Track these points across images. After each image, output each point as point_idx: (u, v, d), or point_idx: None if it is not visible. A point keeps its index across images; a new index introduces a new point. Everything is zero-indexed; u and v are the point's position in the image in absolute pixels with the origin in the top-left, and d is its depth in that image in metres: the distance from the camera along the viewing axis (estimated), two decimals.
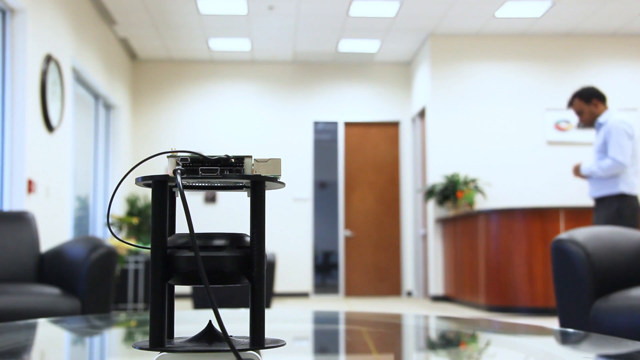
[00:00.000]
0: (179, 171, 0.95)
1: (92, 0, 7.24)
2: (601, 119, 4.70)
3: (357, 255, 9.43)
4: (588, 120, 4.77)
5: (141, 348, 0.99)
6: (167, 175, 0.97)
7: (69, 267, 3.37)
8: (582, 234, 2.66)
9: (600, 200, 4.66)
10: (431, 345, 1.48)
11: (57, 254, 3.54)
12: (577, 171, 4.79)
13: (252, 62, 9.47)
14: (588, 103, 4.73)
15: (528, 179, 8.33)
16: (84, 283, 3.27)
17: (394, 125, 9.56)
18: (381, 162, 9.53)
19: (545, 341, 1.49)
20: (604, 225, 4.53)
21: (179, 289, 7.97)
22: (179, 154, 0.98)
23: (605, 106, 4.75)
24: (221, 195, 9.19)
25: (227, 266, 0.97)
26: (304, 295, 9.27)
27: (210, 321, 1.03)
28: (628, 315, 2.40)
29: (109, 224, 1.08)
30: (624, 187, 4.56)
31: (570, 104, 4.80)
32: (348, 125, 9.53)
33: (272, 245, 9.00)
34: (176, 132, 9.31)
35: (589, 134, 8.39)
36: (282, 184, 1.02)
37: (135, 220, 7.35)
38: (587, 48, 8.51)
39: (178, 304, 7.08)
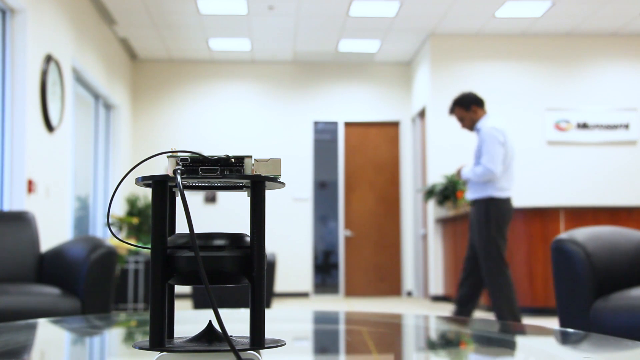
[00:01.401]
0: (179, 171, 0.95)
1: (92, 0, 7.24)
2: (479, 124, 4.91)
3: (357, 255, 9.43)
4: (469, 126, 4.99)
5: (141, 348, 0.99)
6: (167, 175, 0.97)
7: (69, 267, 3.37)
8: (582, 234, 2.66)
9: (474, 203, 4.92)
10: (431, 345, 1.48)
11: (57, 254, 3.54)
12: (459, 174, 5.02)
13: (252, 62, 9.47)
14: (468, 110, 4.95)
15: (528, 179, 8.32)
16: (84, 283, 3.27)
17: (394, 125, 9.56)
18: (381, 162, 9.53)
19: (545, 341, 1.49)
20: (476, 227, 4.83)
21: (179, 289, 7.97)
22: (179, 154, 0.98)
23: (484, 111, 4.96)
24: (221, 195, 9.19)
25: (227, 266, 0.97)
26: (304, 295, 9.27)
27: (210, 321, 1.03)
28: (628, 315, 2.40)
29: (109, 224, 1.08)
30: (493, 191, 4.79)
31: (452, 111, 5.01)
32: (348, 125, 9.53)
33: (272, 245, 9.00)
34: (176, 132, 9.31)
35: (588, 134, 8.39)
36: (282, 184, 1.02)
37: (135, 220, 7.35)
38: (587, 48, 8.51)
39: (178, 304, 7.07)
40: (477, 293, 4.86)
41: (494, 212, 4.76)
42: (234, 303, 6.03)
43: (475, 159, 4.89)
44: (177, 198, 1.06)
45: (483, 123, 4.86)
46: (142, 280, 6.56)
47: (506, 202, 4.82)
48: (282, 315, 2.22)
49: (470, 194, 4.93)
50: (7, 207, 5.22)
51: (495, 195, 4.78)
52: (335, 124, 9.59)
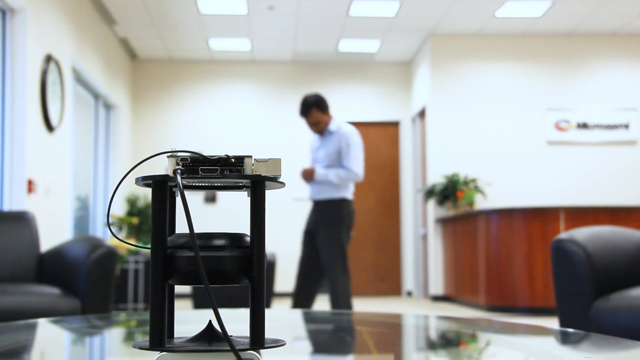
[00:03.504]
0: (179, 171, 0.95)
1: (92, 0, 7.24)
2: (331, 127, 4.88)
3: (357, 255, 9.42)
4: (322, 129, 4.91)
5: (141, 348, 0.99)
6: (167, 175, 0.97)
7: (69, 267, 3.37)
8: (582, 234, 2.66)
9: (321, 203, 4.89)
10: (431, 345, 1.48)
11: (57, 254, 3.54)
12: (308, 175, 4.86)
13: (252, 62, 9.47)
14: (324, 113, 4.87)
15: (528, 179, 8.33)
16: (84, 283, 3.27)
17: (394, 125, 9.56)
18: (381, 162, 9.53)
19: (545, 341, 1.49)
20: (326, 227, 4.81)
21: (179, 289, 7.97)
22: (179, 154, 0.98)
23: (331, 114, 4.93)
24: (221, 195, 9.19)
25: (227, 266, 0.97)
26: None
27: (210, 321, 1.03)
28: (628, 315, 2.40)
29: (109, 224, 1.08)
30: (345, 193, 4.87)
31: (307, 114, 4.83)
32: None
33: (272, 245, 9.00)
34: (176, 132, 9.31)
35: (588, 134, 8.39)
36: (282, 183, 1.01)
37: (135, 220, 7.35)
38: (587, 48, 8.51)
39: (178, 304, 7.07)
40: (313, 291, 4.88)
41: (346, 213, 4.84)
42: (234, 303, 6.03)
43: (327, 159, 4.85)
44: (177, 198, 1.06)
45: (339, 126, 4.86)
46: (142, 280, 6.56)
47: (352, 203, 4.94)
48: (282, 315, 2.22)
49: (317, 194, 4.89)
50: (7, 207, 5.22)
51: (347, 197, 4.86)
52: None
